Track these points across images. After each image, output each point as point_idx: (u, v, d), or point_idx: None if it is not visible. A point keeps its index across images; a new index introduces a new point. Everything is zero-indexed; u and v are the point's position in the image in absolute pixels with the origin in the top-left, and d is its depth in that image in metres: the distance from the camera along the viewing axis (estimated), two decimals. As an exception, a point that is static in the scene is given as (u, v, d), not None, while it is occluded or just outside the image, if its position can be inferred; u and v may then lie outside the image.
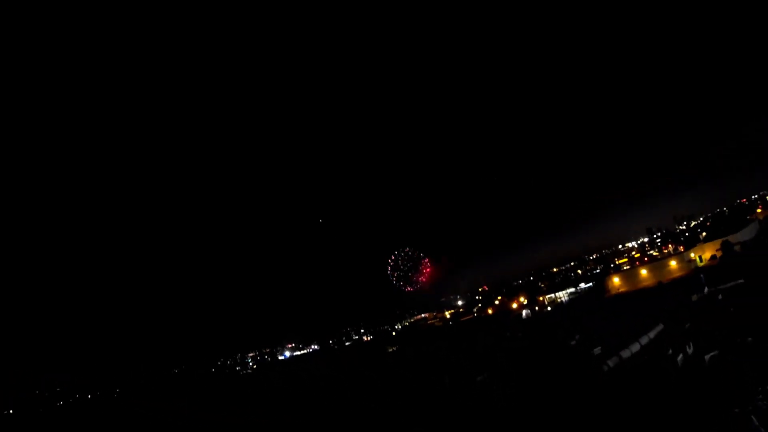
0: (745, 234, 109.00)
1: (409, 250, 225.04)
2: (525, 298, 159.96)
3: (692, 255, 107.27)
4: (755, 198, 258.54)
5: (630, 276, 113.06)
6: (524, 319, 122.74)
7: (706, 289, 61.73)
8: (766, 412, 22.58)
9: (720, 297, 55.51)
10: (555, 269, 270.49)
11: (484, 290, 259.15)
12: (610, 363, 37.56)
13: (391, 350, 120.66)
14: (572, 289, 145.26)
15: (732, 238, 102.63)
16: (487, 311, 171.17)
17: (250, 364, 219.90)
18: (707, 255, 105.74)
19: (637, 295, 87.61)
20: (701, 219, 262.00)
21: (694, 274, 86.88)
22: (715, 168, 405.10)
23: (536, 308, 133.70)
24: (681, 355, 33.38)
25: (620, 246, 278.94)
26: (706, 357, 31.91)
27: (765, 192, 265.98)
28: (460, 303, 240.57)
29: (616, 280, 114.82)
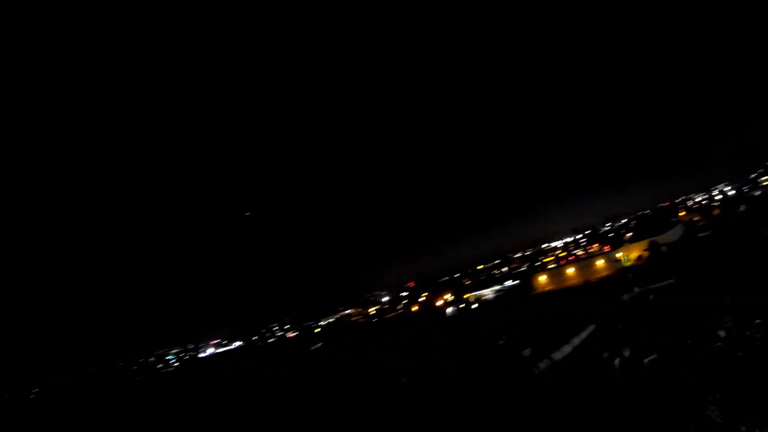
0: (671, 235, 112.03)
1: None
2: (451, 295, 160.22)
3: (619, 255, 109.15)
4: (677, 202, 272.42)
5: (556, 274, 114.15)
6: (449, 316, 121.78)
7: (636, 289, 61.35)
8: (717, 424, 20.57)
9: (651, 297, 55.01)
10: (480, 267, 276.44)
11: (410, 286, 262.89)
12: (542, 365, 35.51)
13: (314, 347, 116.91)
14: (498, 287, 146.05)
15: (659, 239, 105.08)
16: (411, 308, 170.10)
17: (173, 361, 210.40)
18: (634, 255, 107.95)
19: (564, 293, 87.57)
20: (626, 221, 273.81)
21: (622, 274, 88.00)
22: (640, 172, 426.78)
23: (462, 306, 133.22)
24: (618, 359, 31.52)
25: (545, 245, 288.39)
26: (646, 361, 30.12)
27: (686, 197, 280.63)
28: (385, 299, 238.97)
29: (542, 278, 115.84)
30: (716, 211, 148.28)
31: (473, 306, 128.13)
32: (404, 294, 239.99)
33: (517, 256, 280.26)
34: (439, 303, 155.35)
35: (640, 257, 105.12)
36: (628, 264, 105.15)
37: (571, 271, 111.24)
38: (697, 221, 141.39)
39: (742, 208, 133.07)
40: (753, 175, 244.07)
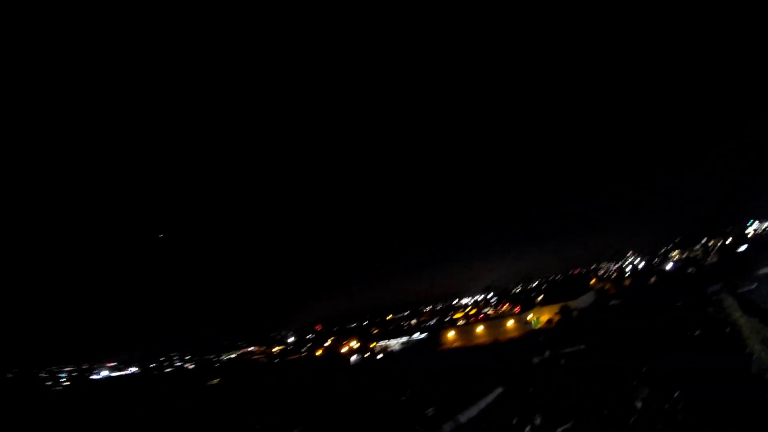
0: (583, 301, 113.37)
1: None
2: (357, 343, 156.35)
3: (529, 317, 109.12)
4: (589, 270, 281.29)
5: (465, 331, 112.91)
6: (353, 365, 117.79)
7: (547, 352, 59.85)
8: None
9: (563, 361, 53.47)
10: (390, 316, 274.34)
11: (317, 329, 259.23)
12: (446, 428, 32.44)
13: (211, 383, 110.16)
14: (404, 339, 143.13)
15: (571, 304, 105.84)
16: (316, 352, 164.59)
17: (63, 379, 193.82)
18: (545, 317, 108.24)
19: (472, 351, 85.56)
20: (537, 283, 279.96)
21: (532, 335, 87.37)
22: (553, 237, 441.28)
23: (366, 355, 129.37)
24: (529, 427, 28.82)
25: (456, 301, 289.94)
26: (559, 430, 27.53)
27: (597, 266, 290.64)
28: (291, 340, 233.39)
29: (450, 334, 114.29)
30: (627, 281, 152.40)
31: (378, 357, 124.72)
32: (310, 336, 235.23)
33: (427, 309, 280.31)
34: (344, 350, 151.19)
35: (550, 320, 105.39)
36: (538, 326, 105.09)
37: (480, 329, 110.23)
38: (608, 289, 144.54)
39: (653, 279, 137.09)
40: (662, 250, 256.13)
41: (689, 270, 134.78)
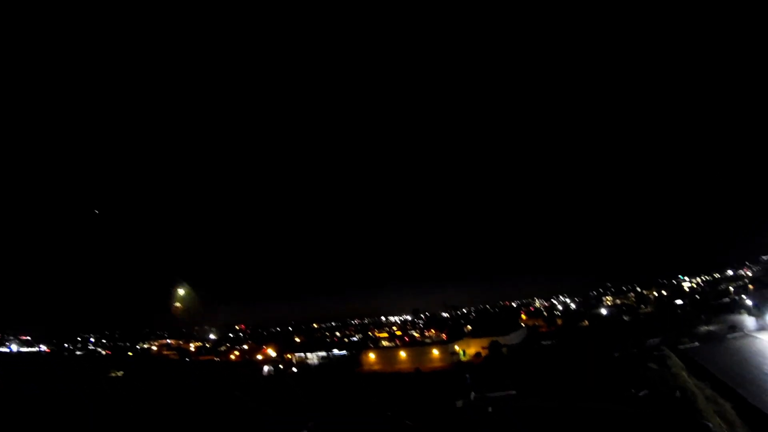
0: (514, 338, 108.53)
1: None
2: (274, 351, 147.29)
3: (457, 347, 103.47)
4: (519, 305, 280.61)
5: (388, 355, 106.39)
6: (264, 375, 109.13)
7: (472, 395, 53.31)
8: None
9: (490, 409, 46.88)
10: (316, 325, 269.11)
11: (241, 329, 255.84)
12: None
13: (114, 374, 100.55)
14: (324, 353, 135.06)
15: (501, 340, 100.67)
16: (231, 355, 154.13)
17: None
18: (472, 350, 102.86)
19: (392, 381, 78.28)
20: (465, 311, 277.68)
21: (457, 370, 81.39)
22: (487, 268, 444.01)
23: (281, 366, 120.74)
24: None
25: (384, 318, 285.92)
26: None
27: (529, 300, 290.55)
28: (211, 337, 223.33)
29: (371, 356, 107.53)
30: (559, 321, 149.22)
31: (293, 369, 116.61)
32: (231, 336, 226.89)
33: (355, 322, 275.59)
34: (260, 357, 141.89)
35: (478, 354, 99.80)
36: (465, 359, 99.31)
37: (403, 354, 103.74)
38: (539, 327, 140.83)
39: (585, 322, 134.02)
40: (594, 293, 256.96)
41: (625, 317, 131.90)
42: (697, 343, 78.44)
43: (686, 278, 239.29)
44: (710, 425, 34.73)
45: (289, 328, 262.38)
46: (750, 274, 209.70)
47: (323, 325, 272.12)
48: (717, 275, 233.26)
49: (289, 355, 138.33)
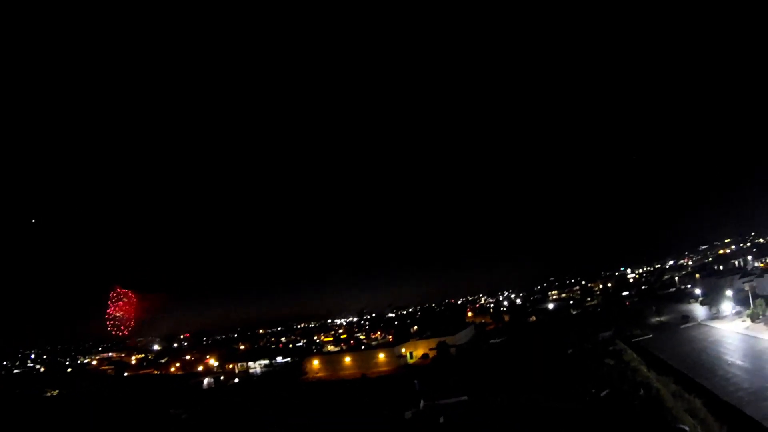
0: (462, 337, 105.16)
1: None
2: (217, 360, 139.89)
3: (403, 350, 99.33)
4: (464, 302, 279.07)
5: (332, 362, 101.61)
6: (204, 389, 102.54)
7: (422, 403, 48.82)
8: None
9: (442, 420, 42.52)
10: (262, 331, 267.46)
11: (185, 337, 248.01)
12: None
13: (49, 393, 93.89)
14: (267, 362, 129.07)
15: (449, 340, 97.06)
16: (171, 367, 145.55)
17: None
18: (419, 352, 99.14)
19: (337, 390, 73.14)
20: (411, 310, 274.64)
21: (405, 374, 77.30)
22: (431, 266, 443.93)
23: (222, 378, 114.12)
24: None
25: (330, 321, 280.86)
26: None
27: (475, 297, 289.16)
28: (155, 347, 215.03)
29: (316, 363, 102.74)
30: (506, 317, 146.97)
31: (235, 381, 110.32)
32: (176, 345, 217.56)
33: (300, 326, 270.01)
34: (201, 368, 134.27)
35: (426, 356, 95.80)
36: (412, 362, 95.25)
37: (348, 360, 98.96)
38: (487, 325, 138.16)
39: (533, 318, 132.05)
40: (538, 287, 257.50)
41: (572, 311, 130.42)
42: (651, 335, 76.61)
43: (629, 270, 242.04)
44: (686, 429, 31.05)
45: (234, 335, 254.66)
46: (691, 263, 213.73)
47: (269, 331, 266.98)
48: (658, 266, 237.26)
49: (231, 365, 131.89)
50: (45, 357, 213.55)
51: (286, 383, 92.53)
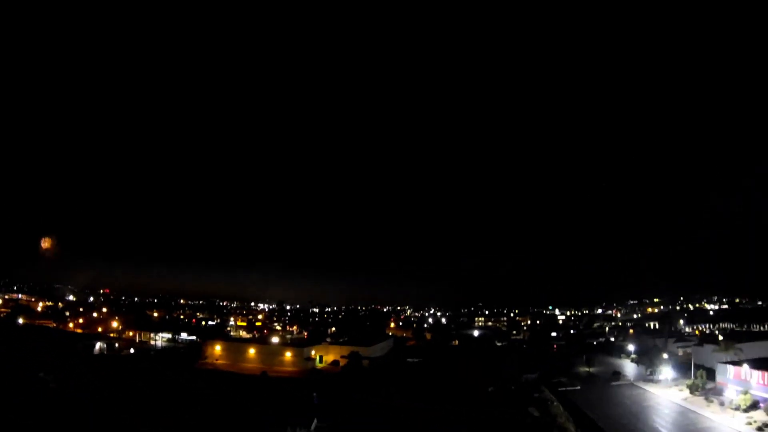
0: (378, 350, 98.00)
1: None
2: (121, 325, 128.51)
3: (313, 353, 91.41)
4: (390, 310, 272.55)
5: (236, 350, 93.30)
6: (95, 354, 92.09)
7: (314, 424, 41.00)
8: None
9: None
10: (183, 301, 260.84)
11: (105, 293, 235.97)
12: None
13: None
14: (169, 335, 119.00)
15: (363, 351, 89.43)
16: (71, 323, 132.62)
17: None
18: (330, 357, 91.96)
19: (226, 386, 64.21)
20: (335, 308, 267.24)
21: (308, 380, 69.88)
22: (362, 266, 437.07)
23: (117, 345, 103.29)
24: None
25: (252, 304, 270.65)
26: None
27: (400, 307, 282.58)
28: (69, 297, 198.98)
29: (218, 348, 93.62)
30: (428, 335, 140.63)
31: (130, 351, 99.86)
32: (91, 300, 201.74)
33: (223, 304, 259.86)
34: (100, 329, 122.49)
35: (336, 362, 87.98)
36: (321, 366, 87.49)
37: (252, 351, 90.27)
38: (407, 339, 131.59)
39: (455, 342, 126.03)
40: (465, 309, 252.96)
41: (497, 342, 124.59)
42: (578, 386, 70.85)
43: (557, 310, 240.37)
44: None
45: (155, 300, 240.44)
46: (620, 315, 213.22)
47: (189, 302, 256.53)
48: (586, 311, 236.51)
49: (132, 332, 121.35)
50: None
51: (179, 365, 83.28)
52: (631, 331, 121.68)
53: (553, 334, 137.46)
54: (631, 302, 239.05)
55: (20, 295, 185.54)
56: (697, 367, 67.60)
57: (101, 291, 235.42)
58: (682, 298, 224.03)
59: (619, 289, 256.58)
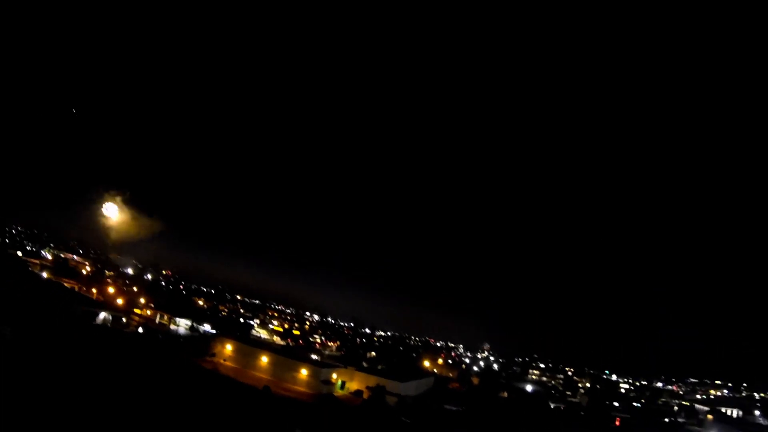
0: (413, 387, 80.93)
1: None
2: (146, 301, 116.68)
3: (334, 376, 76.20)
4: (442, 346, 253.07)
5: (246, 354, 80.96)
6: (96, 324, 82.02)
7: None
8: None
9: None
10: (239, 297, 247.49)
11: (167, 274, 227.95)
12: None
13: None
14: (192, 323, 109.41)
15: (391, 386, 73.03)
16: (94, 288, 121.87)
17: None
18: (354, 386, 76.63)
19: (215, 396, 49.19)
20: (389, 333, 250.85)
21: (319, 406, 54.00)
22: (424, 297, 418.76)
23: (125, 320, 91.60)
24: None
25: (307, 313, 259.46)
26: None
27: (453, 344, 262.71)
28: (128, 271, 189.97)
29: (228, 347, 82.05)
30: (476, 380, 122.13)
31: (139, 329, 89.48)
32: (147, 277, 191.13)
33: (279, 307, 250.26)
34: (121, 302, 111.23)
35: (360, 392, 72.13)
36: (340, 394, 72.27)
37: (265, 360, 76.23)
38: (451, 380, 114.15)
39: (505, 394, 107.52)
40: (519, 359, 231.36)
41: (551, 404, 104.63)
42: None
43: (614, 375, 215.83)
44: None
45: (212, 290, 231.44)
46: (681, 393, 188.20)
47: (246, 300, 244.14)
48: (645, 382, 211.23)
49: (151, 312, 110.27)
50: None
51: (181, 357, 71.87)
52: (709, 416, 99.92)
53: (615, 403, 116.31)
54: (691, 380, 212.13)
55: (74, 256, 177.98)
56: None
57: (163, 271, 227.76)
58: (745, 384, 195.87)
59: (672, 361, 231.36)
